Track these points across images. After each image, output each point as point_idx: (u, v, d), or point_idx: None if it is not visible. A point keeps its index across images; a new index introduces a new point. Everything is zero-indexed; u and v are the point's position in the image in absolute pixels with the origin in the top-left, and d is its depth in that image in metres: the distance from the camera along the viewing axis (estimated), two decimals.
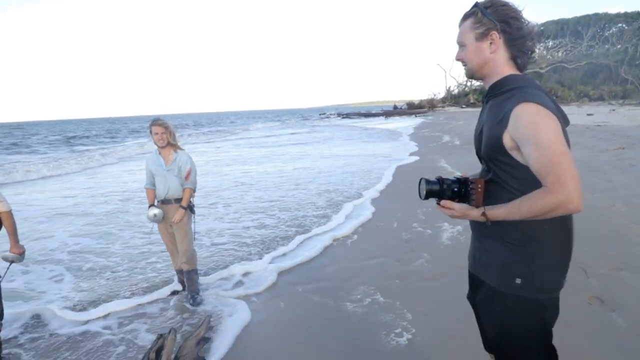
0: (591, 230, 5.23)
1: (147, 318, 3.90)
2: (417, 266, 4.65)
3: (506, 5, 1.56)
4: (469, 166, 10.76)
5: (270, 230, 6.46)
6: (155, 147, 4.23)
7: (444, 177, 1.63)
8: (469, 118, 34.65)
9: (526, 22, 1.57)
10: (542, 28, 70.55)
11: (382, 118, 52.60)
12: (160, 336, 3.08)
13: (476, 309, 1.81)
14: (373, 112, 67.73)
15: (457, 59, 1.68)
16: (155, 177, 4.22)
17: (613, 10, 71.36)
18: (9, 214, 3.24)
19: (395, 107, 67.68)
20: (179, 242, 4.24)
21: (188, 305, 4.09)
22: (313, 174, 11.65)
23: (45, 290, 4.69)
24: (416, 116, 49.74)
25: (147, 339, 3.50)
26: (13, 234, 3.25)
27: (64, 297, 4.48)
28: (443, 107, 61.58)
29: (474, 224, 1.70)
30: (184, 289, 4.41)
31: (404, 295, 3.96)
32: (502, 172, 1.54)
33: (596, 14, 68.70)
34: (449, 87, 71.58)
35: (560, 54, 67.64)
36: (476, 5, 1.59)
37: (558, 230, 1.54)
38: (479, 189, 1.55)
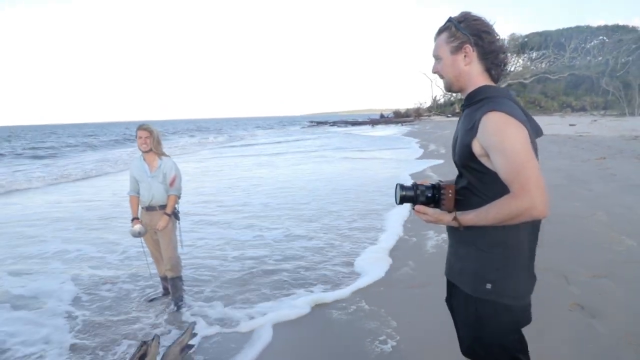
0: (573, 238, 5.32)
1: (130, 324, 3.85)
2: (402, 274, 4.68)
3: (478, 19, 1.63)
4: (453, 174, 10.84)
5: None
6: (140, 153, 4.21)
7: (419, 183, 1.69)
8: (455, 127, 34.98)
9: (498, 36, 1.64)
10: (526, 39, 71.76)
11: (369, 126, 52.87)
12: (144, 343, 3.04)
13: (453, 313, 1.85)
14: (360, 120, 68.11)
15: (434, 72, 1.73)
16: (139, 183, 4.19)
17: (594, 23, 72.88)
18: None
19: (382, 116, 68.17)
20: (164, 249, 4.21)
21: (172, 312, 4.05)
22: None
23: None
24: (402, 125, 50.15)
25: (130, 346, 3.45)
26: None
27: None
28: (429, 116, 62.25)
29: (450, 230, 1.73)
30: (165, 296, 4.37)
31: (389, 302, 3.97)
32: (473, 179, 1.59)
33: (578, 27, 70.16)
34: (435, 97, 72.42)
35: (543, 65, 68.73)
36: (450, 20, 1.66)
37: (527, 237, 1.59)
38: (450, 194, 1.62)
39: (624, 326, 3.24)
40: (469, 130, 1.55)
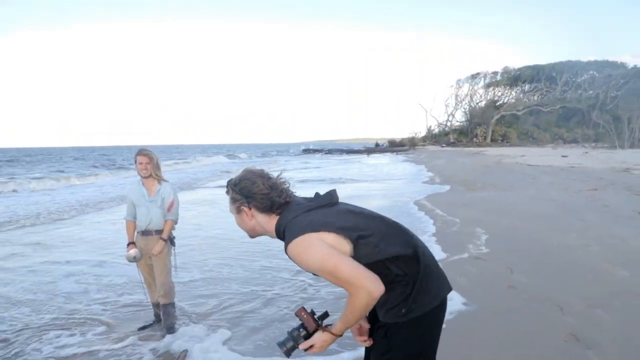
0: (566, 269, 5.34)
1: (122, 352, 3.79)
2: None
3: (251, 180, 1.82)
4: (448, 203, 10.94)
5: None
6: (139, 177, 4.23)
7: (290, 329, 1.78)
8: (449, 157, 35.40)
9: (272, 181, 1.83)
10: (518, 72, 73.27)
11: (364, 155, 53.25)
12: None
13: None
14: (355, 148, 68.62)
15: (238, 226, 1.94)
16: (137, 207, 4.19)
17: (585, 58, 74.59)
18: None
19: (377, 145, 68.81)
20: (158, 275, 4.17)
21: (162, 340, 3.99)
22: None
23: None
24: (397, 154, 50.55)
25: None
26: None
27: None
28: (424, 145, 62.90)
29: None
30: (157, 323, 4.32)
31: None
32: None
33: (569, 61, 71.82)
34: (430, 127, 73.37)
35: (536, 98, 70.00)
36: (228, 184, 1.89)
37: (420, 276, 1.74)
38: (304, 316, 1.76)
39: (618, 357, 3.24)
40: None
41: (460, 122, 73.07)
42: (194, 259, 6.62)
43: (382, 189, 15.86)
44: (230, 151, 78.34)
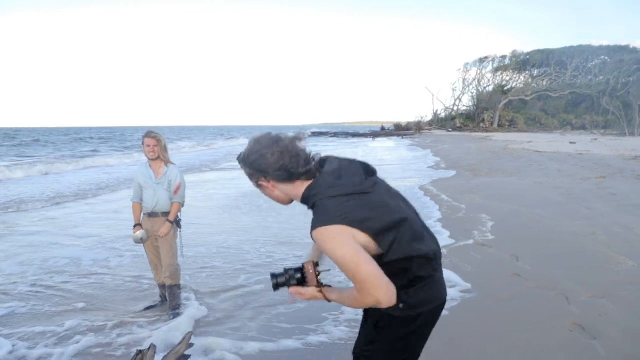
0: (572, 257, 5.31)
1: (125, 333, 3.83)
2: None
3: (259, 153, 1.72)
4: (454, 189, 10.90)
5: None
6: (146, 159, 4.22)
7: (288, 267, 1.79)
8: (455, 142, 35.15)
9: (283, 150, 1.71)
10: (527, 57, 72.20)
11: (370, 139, 53.01)
12: (139, 352, 3.02)
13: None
14: (360, 132, 68.30)
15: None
16: (143, 189, 4.19)
17: (596, 43, 73.30)
18: None
19: (382, 128, 68.41)
20: (164, 256, 4.20)
21: (167, 321, 4.02)
22: None
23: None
24: (403, 138, 50.28)
25: (125, 355, 3.43)
26: None
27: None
28: (430, 129, 62.48)
29: None
30: (162, 303, 4.35)
31: None
32: None
33: (580, 46, 70.57)
34: (436, 111, 72.72)
35: (545, 83, 69.08)
36: (239, 161, 1.80)
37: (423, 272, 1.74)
38: (310, 271, 1.75)
39: (623, 348, 3.23)
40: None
41: (467, 106, 72.39)
42: (201, 240, 6.64)
43: (387, 173, 15.81)
44: (232, 134, 78.17)
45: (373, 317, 1.83)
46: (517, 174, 14.00)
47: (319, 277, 1.76)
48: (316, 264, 1.77)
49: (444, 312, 3.79)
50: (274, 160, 1.70)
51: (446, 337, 3.35)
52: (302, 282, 1.78)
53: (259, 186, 1.81)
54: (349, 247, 1.56)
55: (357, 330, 2.03)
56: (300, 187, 1.75)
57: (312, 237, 1.64)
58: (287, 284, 1.78)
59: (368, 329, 1.86)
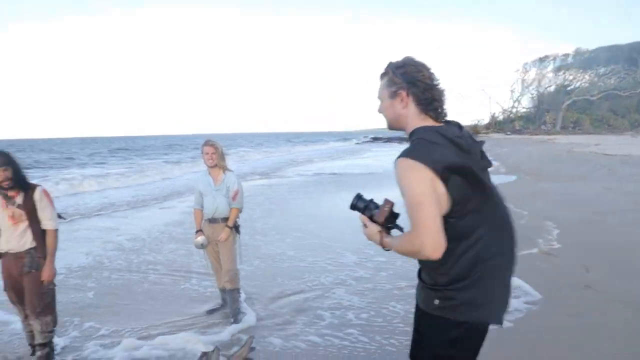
0: None
1: (189, 335, 3.95)
2: None
3: (416, 66, 1.74)
4: (515, 194, 10.46)
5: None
6: (205, 166, 4.36)
7: (375, 200, 1.83)
8: (515, 145, 33.83)
9: (436, 82, 1.75)
10: (593, 54, 68.36)
11: None
12: (204, 354, 3.12)
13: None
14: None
15: (378, 112, 1.89)
16: (203, 196, 4.33)
17: None
18: (55, 233, 3.39)
19: None
20: (224, 261, 4.31)
21: (229, 325, 4.12)
22: None
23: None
24: None
25: (189, 357, 3.54)
26: (52, 254, 3.36)
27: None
28: (487, 133, 60.49)
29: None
30: (224, 308, 4.46)
31: None
32: None
33: None
34: (494, 114, 70.38)
35: (612, 81, 65.14)
36: (389, 65, 1.79)
37: (467, 269, 1.66)
38: (385, 209, 1.74)
39: None
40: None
41: (526, 108, 69.61)
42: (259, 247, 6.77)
43: None
44: (291, 140, 79.31)
45: (419, 310, 1.84)
46: (583, 178, 13.26)
47: (388, 218, 1.75)
48: (393, 211, 1.76)
49: (507, 324, 3.67)
50: (428, 83, 1.73)
51: (509, 352, 3.21)
52: (370, 217, 1.80)
53: (393, 96, 1.77)
54: (423, 186, 1.56)
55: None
56: (421, 120, 1.75)
57: (395, 163, 1.65)
58: (363, 210, 1.81)
59: (419, 323, 1.86)
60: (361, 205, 1.81)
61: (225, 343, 3.75)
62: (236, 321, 4.16)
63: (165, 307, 4.63)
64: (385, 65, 1.81)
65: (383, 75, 1.82)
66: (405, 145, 1.71)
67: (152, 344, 3.78)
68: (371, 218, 1.79)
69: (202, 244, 4.28)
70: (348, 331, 3.90)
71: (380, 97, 1.85)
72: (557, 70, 69.38)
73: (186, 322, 4.22)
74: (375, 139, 64.92)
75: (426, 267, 1.77)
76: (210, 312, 4.46)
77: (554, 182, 12.78)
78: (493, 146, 35.17)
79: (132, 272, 5.81)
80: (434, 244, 1.52)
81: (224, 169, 4.35)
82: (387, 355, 3.47)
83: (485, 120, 70.06)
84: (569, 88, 66.82)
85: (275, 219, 9.00)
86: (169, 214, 9.97)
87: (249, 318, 4.23)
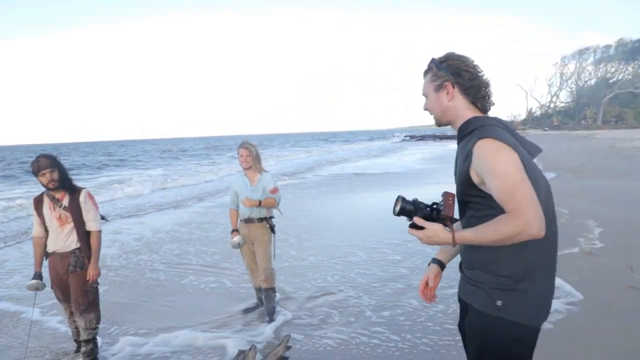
0: None
1: (226, 334, 4.05)
2: None
3: (459, 59, 1.76)
4: (554, 192, 10.14)
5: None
6: (241, 168, 4.45)
7: (420, 200, 1.70)
8: (552, 141, 32.78)
9: (480, 72, 1.76)
10: (637, 44, 65.33)
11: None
12: (241, 352, 3.19)
13: (463, 333, 1.91)
14: (448, 134, 66.25)
15: (424, 109, 1.88)
16: (239, 197, 4.42)
17: None
18: (98, 234, 3.53)
19: None
20: (259, 261, 4.38)
21: (265, 323, 4.19)
22: None
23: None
24: None
25: (228, 354, 3.62)
26: (95, 254, 3.51)
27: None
28: (524, 129, 58.82)
29: (464, 254, 1.84)
30: (260, 307, 4.53)
31: None
32: (476, 207, 1.69)
33: None
34: (531, 109, 68.46)
35: None
36: (432, 61, 1.80)
37: (540, 265, 1.64)
38: (450, 201, 1.63)
39: None
40: (465, 160, 1.66)
41: (565, 103, 67.32)
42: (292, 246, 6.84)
43: None
44: (327, 138, 79.42)
45: (476, 312, 1.73)
46: (628, 175, 12.73)
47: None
48: (455, 196, 1.65)
49: (548, 325, 3.58)
50: (473, 72, 1.74)
51: (548, 353, 3.13)
52: (429, 217, 1.64)
53: (438, 89, 1.77)
54: (518, 165, 1.53)
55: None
56: (471, 111, 1.76)
57: (472, 149, 1.60)
58: (412, 213, 1.64)
59: (475, 330, 1.76)
60: (410, 207, 1.65)
61: (261, 342, 3.82)
62: (272, 320, 4.23)
63: (202, 306, 4.74)
64: (428, 62, 1.82)
65: (427, 72, 1.82)
66: (445, 142, 1.68)
67: (154, 341, 3.93)
68: (425, 218, 1.64)
69: (238, 244, 4.37)
70: (376, 329, 3.91)
71: (425, 94, 1.84)
72: (598, 62, 66.71)
73: (223, 321, 4.32)
74: (409, 138, 64.27)
75: (489, 262, 1.68)
76: (246, 311, 4.54)
77: (596, 179, 12.34)
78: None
79: (171, 269, 5.98)
80: (541, 222, 1.46)
81: (260, 170, 4.42)
82: (422, 355, 3.46)
83: (522, 115, 68.28)
84: (610, 81, 64.16)
85: (305, 219, 9.06)
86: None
87: (285, 317, 4.29)
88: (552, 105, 68.17)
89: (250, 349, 3.19)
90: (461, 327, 1.93)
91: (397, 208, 1.67)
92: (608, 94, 59.03)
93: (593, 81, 65.23)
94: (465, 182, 1.66)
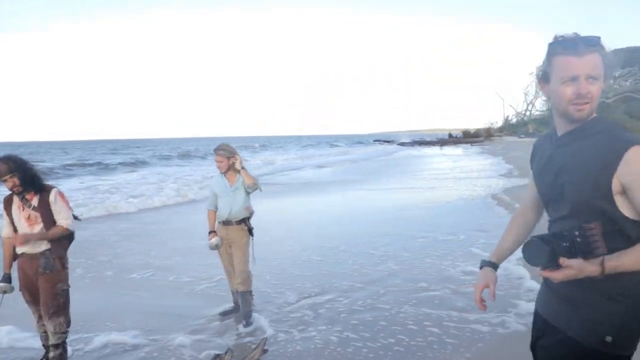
0: None
1: (203, 337, 3.97)
2: None
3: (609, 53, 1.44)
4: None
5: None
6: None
7: (540, 236, 1.36)
8: (527, 148, 33.13)
9: None
10: None
11: (437, 146, 51.79)
12: (217, 356, 3.13)
13: (535, 354, 1.66)
14: (427, 140, 67.03)
15: (583, 92, 1.41)
16: (219, 198, 4.36)
17: None
18: (64, 230, 3.36)
19: (450, 135, 66.66)
20: (237, 263, 4.32)
21: (241, 327, 4.13)
22: None
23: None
24: (472, 145, 48.67)
25: (203, 358, 3.55)
26: (44, 235, 3.29)
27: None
28: (500, 136, 60.04)
29: None
30: (236, 310, 4.47)
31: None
32: (597, 220, 1.34)
33: None
34: (507, 116, 69.85)
35: (628, 84, 64.18)
36: (599, 39, 1.43)
37: None
38: (596, 234, 1.30)
39: None
40: (605, 166, 1.38)
41: (540, 111, 68.78)
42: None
43: (458, 181, 15.36)
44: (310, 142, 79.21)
45: (568, 342, 1.47)
46: None
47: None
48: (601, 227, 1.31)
49: (520, 326, 3.61)
50: None
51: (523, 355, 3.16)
52: (567, 253, 1.31)
53: (608, 76, 1.46)
54: None
55: None
56: None
57: (619, 156, 1.35)
58: (551, 260, 1.31)
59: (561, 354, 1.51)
60: (545, 260, 1.31)
61: (237, 345, 3.76)
62: (248, 323, 4.17)
63: (178, 309, 4.65)
64: (592, 36, 1.42)
65: (598, 49, 1.40)
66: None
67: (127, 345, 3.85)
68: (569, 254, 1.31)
69: (216, 245, 4.31)
70: (353, 331, 3.90)
71: (596, 75, 1.40)
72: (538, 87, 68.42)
73: (200, 324, 4.24)
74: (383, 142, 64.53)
75: (607, 288, 1.40)
76: (223, 314, 4.47)
77: None
78: (507, 149, 34.86)
79: (146, 270, 5.86)
80: None
81: (240, 169, 4.36)
82: (397, 355, 3.45)
83: (499, 123, 69.61)
84: None
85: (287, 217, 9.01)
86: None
87: (262, 320, 4.23)
88: (527, 113, 69.71)
89: (226, 352, 3.13)
90: (533, 347, 1.69)
91: (540, 261, 1.33)
92: None
93: None
94: (596, 191, 1.39)
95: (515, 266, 5.46)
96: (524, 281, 4.89)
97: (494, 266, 1.76)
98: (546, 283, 1.60)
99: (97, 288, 5.37)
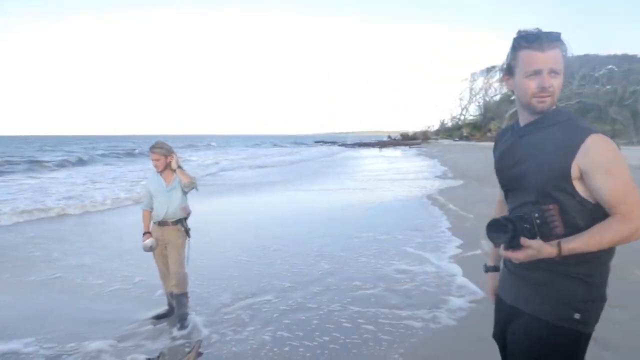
0: None
1: (134, 341, 3.82)
2: None
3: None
4: (462, 199, 10.84)
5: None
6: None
7: (503, 217, 1.45)
8: (462, 151, 35.06)
9: None
10: None
11: (377, 148, 52.98)
12: None
13: (504, 343, 1.72)
14: (365, 141, 68.41)
15: (546, 86, 1.48)
16: (154, 198, 4.22)
17: (604, 52, 73.06)
18: None
19: (389, 138, 68.47)
20: (172, 264, 4.20)
21: (176, 330, 4.02)
22: None
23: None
24: (410, 147, 50.27)
25: None
26: None
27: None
28: (436, 139, 62.48)
29: None
30: (170, 313, 4.34)
31: None
32: (557, 203, 1.44)
33: (587, 55, 70.32)
34: (443, 120, 72.71)
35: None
36: (559, 34, 1.49)
37: (609, 261, 1.57)
38: (554, 215, 1.39)
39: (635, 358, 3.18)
40: (565, 153, 1.46)
41: (474, 116, 72.30)
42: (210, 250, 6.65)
43: (395, 182, 15.79)
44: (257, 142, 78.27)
45: (532, 318, 1.55)
46: None
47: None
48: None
49: (450, 321, 3.79)
50: None
51: (454, 352, 3.31)
52: (528, 234, 1.40)
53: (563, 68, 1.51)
54: (627, 168, 1.45)
55: None
56: None
57: (582, 141, 1.44)
58: (513, 236, 1.40)
59: (537, 347, 1.55)
60: (510, 229, 1.40)
61: (171, 349, 3.65)
62: (183, 326, 4.06)
63: (108, 314, 4.44)
64: (557, 34, 1.49)
65: (554, 44, 1.47)
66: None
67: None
68: (527, 236, 1.40)
69: (150, 247, 4.17)
70: (289, 330, 3.91)
71: (557, 70, 1.48)
72: (503, 80, 72.25)
73: (131, 329, 4.07)
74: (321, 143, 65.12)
75: (577, 267, 1.50)
76: (157, 317, 4.32)
77: (497, 187, 13.31)
78: (443, 152, 36.36)
79: (73, 272, 5.55)
80: None
81: (176, 169, 4.25)
82: (333, 353, 3.50)
83: (435, 126, 72.36)
84: (512, 98, 69.55)
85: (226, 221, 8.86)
86: None
87: (197, 323, 4.14)
88: (462, 117, 72.95)
89: (158, 356, 3.05)
90: (499, 336, 1.76)
91: (494, 239, 1.44)
92: (510, 109, 64.31)
93: (498, 97, 70.78)
94: (556, 177, 1.47)
95: (447, 264, 5.72)
96: (455, 278, 5.12)
97: (496, 269, 1.93)
98: (511, 270, 1.67)
99: (14, 292, 5.02)
